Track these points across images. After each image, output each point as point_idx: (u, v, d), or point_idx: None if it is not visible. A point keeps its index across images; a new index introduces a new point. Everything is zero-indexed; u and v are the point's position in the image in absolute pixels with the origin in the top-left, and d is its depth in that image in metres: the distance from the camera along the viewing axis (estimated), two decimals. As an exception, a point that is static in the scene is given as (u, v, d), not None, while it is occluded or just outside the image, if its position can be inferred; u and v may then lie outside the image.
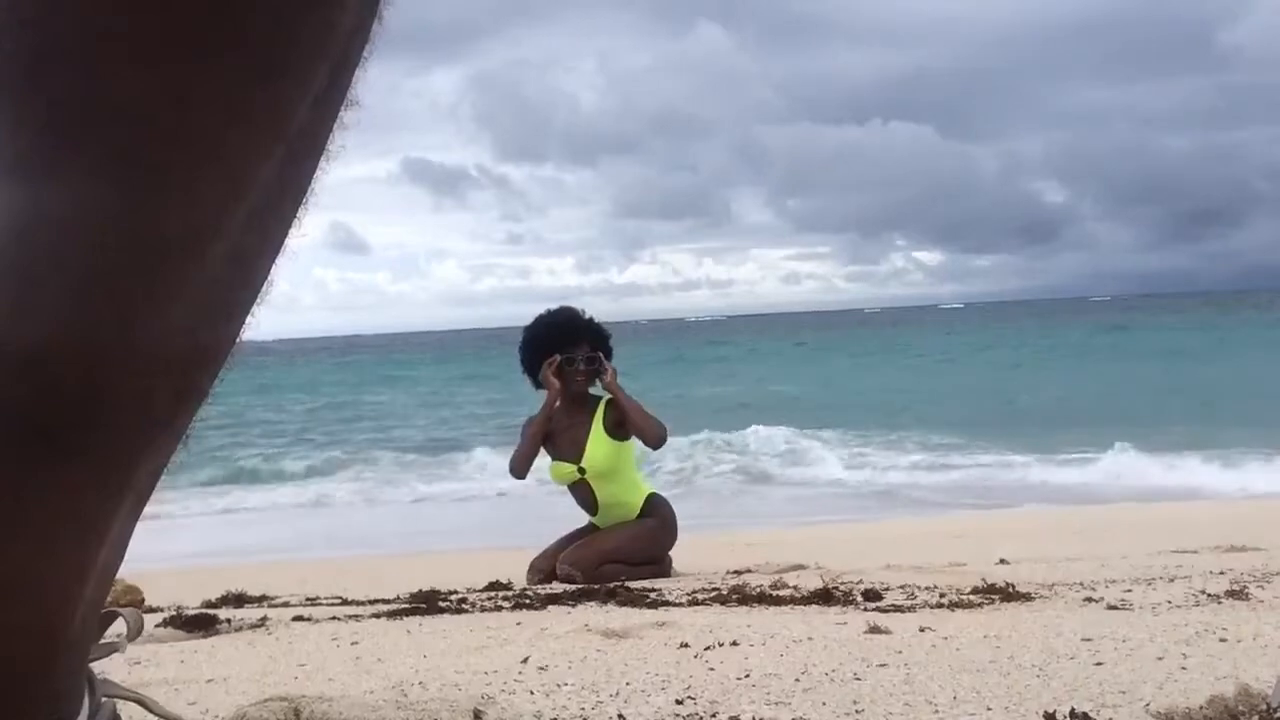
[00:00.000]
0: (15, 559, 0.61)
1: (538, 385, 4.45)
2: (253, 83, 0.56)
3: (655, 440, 4.38)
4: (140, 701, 0.87)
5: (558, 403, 4.40)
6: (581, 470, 4.34)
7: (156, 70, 0.54)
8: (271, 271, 0.66)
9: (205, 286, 0.60)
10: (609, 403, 4.39)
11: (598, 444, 4.33)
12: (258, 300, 0.66)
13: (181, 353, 0.62)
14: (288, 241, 0.66)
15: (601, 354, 4.38)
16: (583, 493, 4.41)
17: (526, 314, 4.64)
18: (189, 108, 0.55)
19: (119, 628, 0.87)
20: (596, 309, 4.58)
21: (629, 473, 4.43)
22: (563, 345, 4.39)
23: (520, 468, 4.47)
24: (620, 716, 1.55)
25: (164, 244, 0.57)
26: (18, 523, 0.60)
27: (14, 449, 0.59)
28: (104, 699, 0.77)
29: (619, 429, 4.36)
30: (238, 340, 0.66)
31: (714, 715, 1.55)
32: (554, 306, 4.56)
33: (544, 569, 4.22)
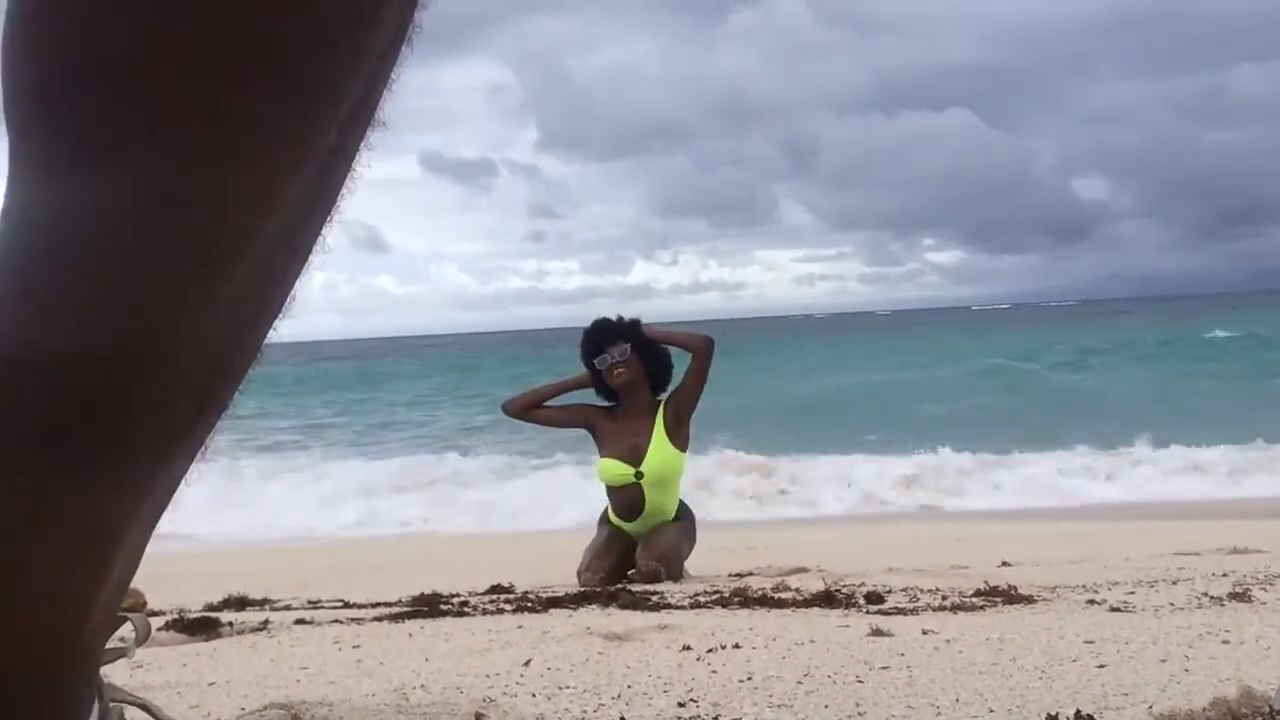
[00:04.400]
0: (34, 564, 0.62)
1: (611, 398, 4.53)
2: (286, 103, 0.57)
3: (704, 345, 4.43)
4: (143, 706, 0.87)
5: (587, 388, 4.53)
6: (639, 475, 4.36)
7: (194, 90, 0.55)
8: (297, 286, 0.67)
9: (234, 301, 0.61)
10: (666, 403, 4.45)
11: (659, 452, 4.38)
12: (281, 314, 0.67)
13: (206, 365, 0.63)
14: (313, 257, 0.67)
15: (630, 345, 4.42)
16: (630, 496, 4.42)
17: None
18: (224, 125, 0.56)
19: (125, 632, 0.88)
20: (609, 311, 4.61)
21: (678, 481, 4.49)
22: (599, 351, 4.45)
23: (514, 406, 4.60)
24: (622, 719, 1.55)
25: (194, 257, 0.58)
26: (37, 527, 0.61)
27: (37, 455, 0.60)
28: (111, 703, 0.77)
29: (678, 430, 4.41)
30: (259, 353, 0.67)
31: (716, 718, 1.54)
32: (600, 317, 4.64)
33: (602, 568, 4.24)
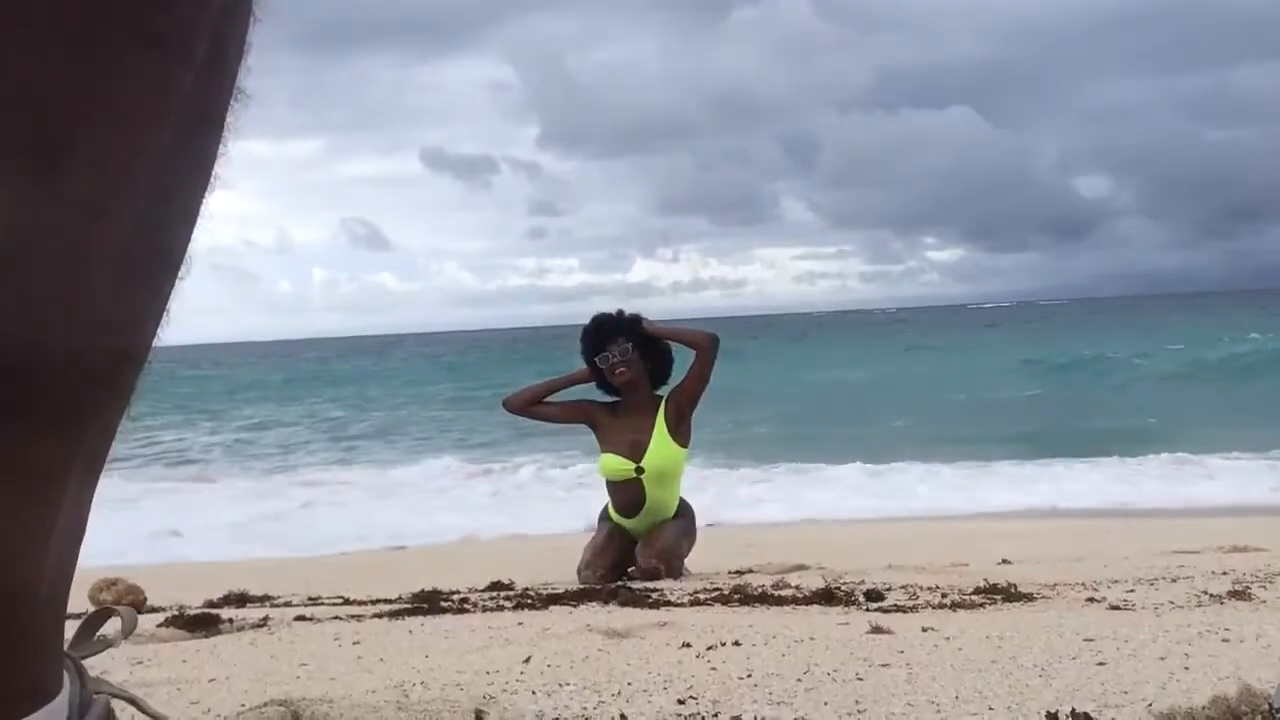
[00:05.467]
0: None
1: (613, 393, 4.54)
2: (137, 53, 0.61)
3: (708, 342, 4.44)
4: (132, 701, 0.87)
5: (593, 384, 4.54)
6: (639, 470, 4.36)
7: (49, 49, 0.58)
8: (188, 247, 0.71)
9: (124, 250, 0.65)
10: (668, 400, 4.45)
11: (660, 448, 4.38)
12: (179, 274, 0.71)
13: (113, 315, 0.66)
14: (198, 218, 0.71)
15: (632, 343, 4.42)
16: (630, 492, 4.42)
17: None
18: (82, 77, 0.59)
19: (113, 625, 0.88)
20: (610, 308, 4.63)
21: (679, 478, 4.49)
22: (600, 348, 4.44)
23: (514, 403, 4.59)
24: (622, 716, 1.55)
25: (78, 204, 0.62)
26: None
27: None
28: (96, 695, 0.77)
29: (680, 427, 4.41)
30: (165, 311, 0.71)
31: (716, 715, 1.55)
32: (602, 310, 4.64)
33: (602, 566, 4.25)
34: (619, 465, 4.38)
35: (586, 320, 4.58)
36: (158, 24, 0.62)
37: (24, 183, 0.60)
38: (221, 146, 0.71)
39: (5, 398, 0.62)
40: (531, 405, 4.58)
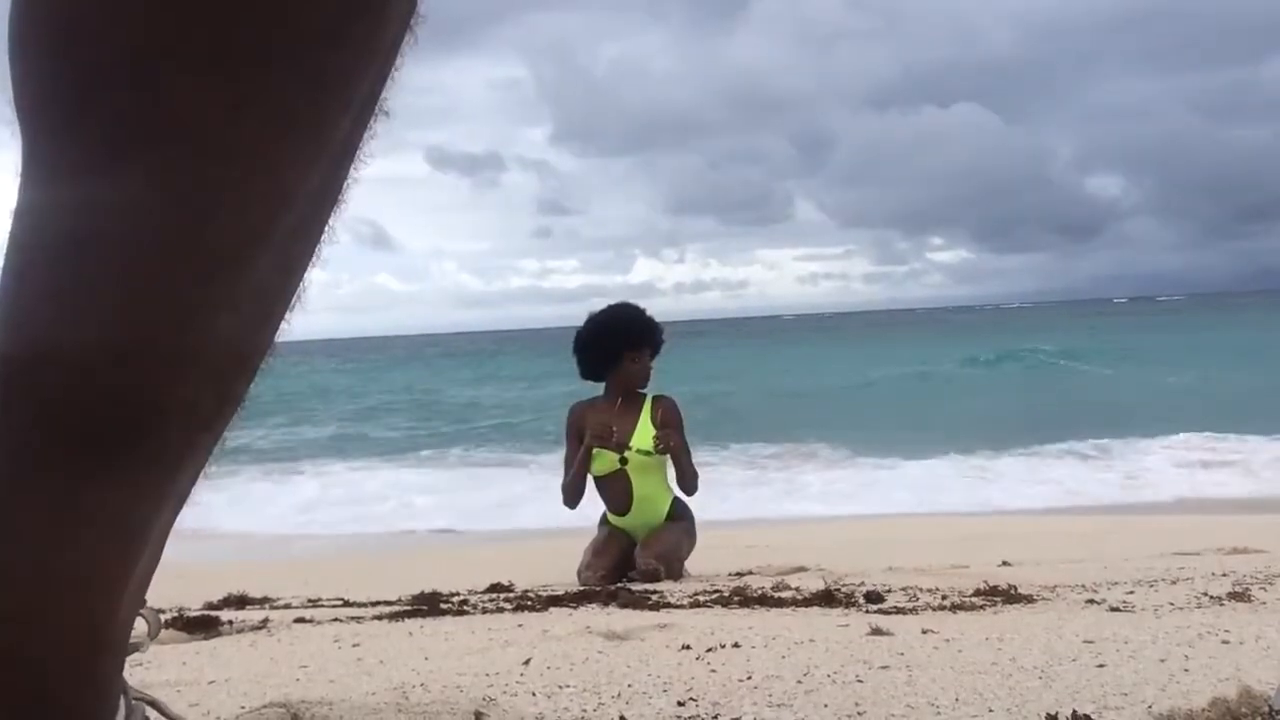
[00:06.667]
0: (65, 562, 0.63)
1: (595, 378, 4.52)
2: (303, 94, 0.58)
3: (691, 483, 4.43)
4: (154, 704, 0.88)
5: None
6: (623, 460, 4.36)
7: (213, 85, 0.55)
8: (307, 277, 0.68)
9: (253, 293, 0.62)
10: (655, 399, 4.47)
11: (643, 438, 4.37)
12: (294, 305, 0.68)
13: (227, 359, 0.64)
14: (321, 248, 0.68)
15: (651, 350, 4.47)
16: (618, 487, 4.42)
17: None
18: (242, 121, 0.57)
19: (139, 627, 0.88)
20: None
21: (663, 470, 4.48)
22: (634, 347, 4.44)
23: (573, 499, 4.52)
24: (622, 718, 1.55)
25: (217, 254, 0.59)
26: (68, 527, 0.62)
27: (67, 455, 0.61)
28: (134, 701, 0.78)
29: (665, 428, 4.41)
30: (273, 346, 0.69)
31: (716, 717, 1.55)
32: (616, 304, 4.62)
33: (602, 567, 4.25)
34: (604, 459, 4.39)
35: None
36: (325, 65, 0.58)
37: (163, 216, 0.57)
38: (356, 168, 0.68)
39: (110, 448, 0.61)
40: (582, 485, 4.50)
